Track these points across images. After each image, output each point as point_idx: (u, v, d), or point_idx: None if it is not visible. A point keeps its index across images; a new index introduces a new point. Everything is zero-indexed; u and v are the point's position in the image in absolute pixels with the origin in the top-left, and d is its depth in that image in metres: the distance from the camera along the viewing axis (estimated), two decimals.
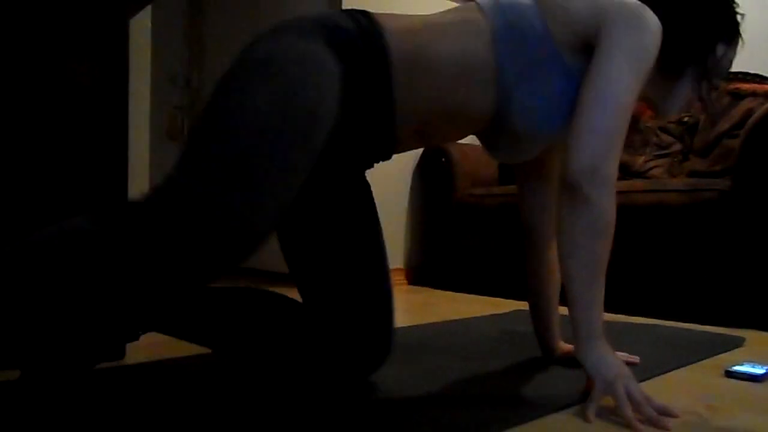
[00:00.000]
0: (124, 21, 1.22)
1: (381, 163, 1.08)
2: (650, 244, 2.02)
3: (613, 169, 0.94)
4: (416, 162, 2.92)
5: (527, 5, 0.98)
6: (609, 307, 1.95)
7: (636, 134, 2.55)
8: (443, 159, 2.79)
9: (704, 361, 1.30)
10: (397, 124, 0.96)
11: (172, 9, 3.58)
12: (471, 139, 2.74)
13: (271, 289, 1.15)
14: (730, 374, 1.17)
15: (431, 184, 2.86)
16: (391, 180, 2.83)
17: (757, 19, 1.13)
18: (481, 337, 1.52)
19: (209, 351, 1.29)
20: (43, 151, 1.12)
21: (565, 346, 1.26)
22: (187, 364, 1.20)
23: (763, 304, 1.77)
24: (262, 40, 0.89)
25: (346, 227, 1.09)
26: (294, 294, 1.18)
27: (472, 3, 1.02)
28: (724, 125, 2.34)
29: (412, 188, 2.92)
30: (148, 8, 2.37)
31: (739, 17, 1.06)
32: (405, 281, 2.89)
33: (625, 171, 2.53)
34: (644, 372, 1.17)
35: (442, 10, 3.05)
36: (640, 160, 2.56)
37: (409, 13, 2.94)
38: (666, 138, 2.55)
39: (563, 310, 1.14)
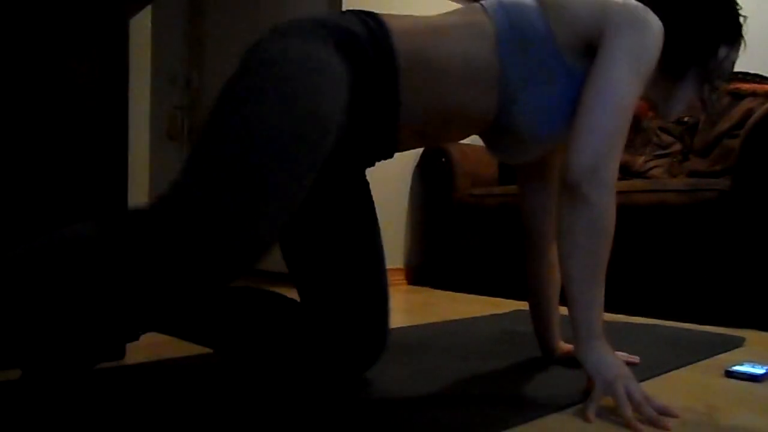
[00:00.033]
0: (124, 21, 1.22)
1: (381, 162, 1.08)
2: (650, 244, 2.02)
3: (613, 170, 0.94)
4: (416, 162, 2.92)
5: (530, 7, 0.98)
6: (609, 307, 1.95)
7: (638, 134, 2.55)
8: (443, 159, 2.79)
9: (704, 361, 1.30)
10: (401, 124, 0.96)
11: (172, 9, 3.58)
12: (471, 139, 2.74)
13: (270, 288, 1.16)
14: (730, 374, 1.17)
15: (431, 184, 2.86)
16: (391, 180, 2.83)
17: (757, 20, 1.13)
18: (481, 337, 1.52)
19: (209, 350, 1.29)
20: (43, 151, 1.12)
21: (565, 346, 1.26)
22: (187, 364, 1.20)
23: (763, 304, 1.77)
24: (270, 42, 0.88)
25: (345, 226, 1.09)
26: (293, 294, 1.18)
27: (476, 4, 1.02)
28: (724, 125, 2.34)
29: (412, 188, 2.92)
30: (148, 8, 2.37)
31: (741, 19, 1.06)
32: (405, 281, 2.89)
33: (625, 171, 2.53)
34: (644, 372, 1.17)
35: (441, 8, 3.05)
36: (640, 160, 2.56)
37: (409, 13, 2.93)
38: (666, 138, 2.55)
39: (563, 310, 1.14)
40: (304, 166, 0.82)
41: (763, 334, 1.67)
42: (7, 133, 1.08)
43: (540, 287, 1.25)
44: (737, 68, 1.60)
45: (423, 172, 2.91)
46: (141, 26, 2.37)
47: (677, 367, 1.24)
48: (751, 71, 2.44)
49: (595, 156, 0.92)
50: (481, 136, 1.09)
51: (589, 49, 0.97)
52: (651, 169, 2.51)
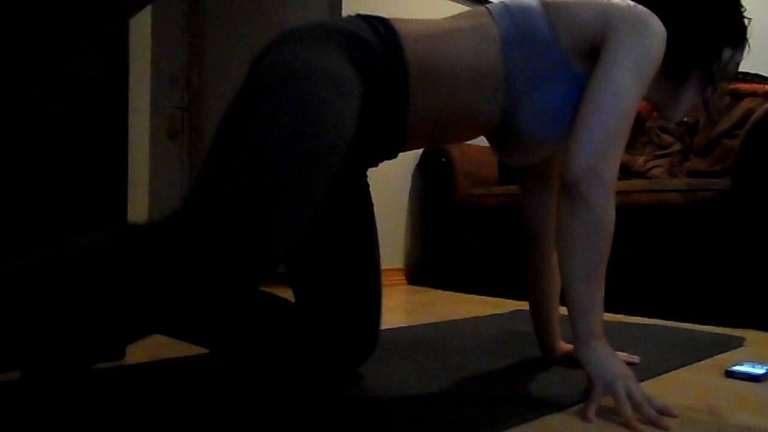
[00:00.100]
0: (124, 21, 1.22)
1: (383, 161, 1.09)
2: (650, 244, 2.02)
3: (612, 170, 0.94)
4: (416, 162, 2.92)
5: (536, 11, 0.99)
6: (609, 307, 1.96)
7: (641, 135, 2.55)
8: (443, 159, 2.79)
9: (704, 361, 1.30)
10: (408, 127, 0.97)
11: (172, 9, 3.58)
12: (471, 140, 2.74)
13: (268, 289, 1.16)
14: (730, 374, 1.17)
15: (431, 184, 2.86)
16: (391, 180, 2.83)
17: (758, 20, 1.13)
18: (481, 337, 1.52)
19: (206, 350, 1.29)
20: (43, 151, 1.12)
21: (565, 346, 1.26)
22: (187, 364, 1.20)
23: (763, 304, 1.77)
24: (282, 51, 0.87)
25: (343, 226, 1.09)
26: (288, 294, 1.18)
27: (482, 8, 1.03)
28: (724, 125, 2.34)
29: (412, 188, 2.92)
30: (148, 8, 2.37)
31: (746, 21, 1.07)
32: (405, 281, 2.89)
33: (625, 171, 2.53)
34: (644, 372, 1.17)
35: (441, 9, 3.05)
36: (640, 160, 2.56)
37: (409, 12, 2.93)
38: (666, 138, 2.55)
39: (563, 310, 1.14)
40: (318, 181, 0.82)
41: (763, 334, 1.67)
42: (7, 133, 1.08)
43: (540, 287, 1.25)
44: None
45: (423, 172, 2.91)
46: (141, 26, 2.38)
47: (677, 367, 1.24)
48: (751, 71, 2.44)
49: (594, 156, 0.93)
50: (486, 138, 1.10)
51: (593, 52, 0.98)
52: (651, 169, 2.51)
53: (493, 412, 0.91)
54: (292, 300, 1.13)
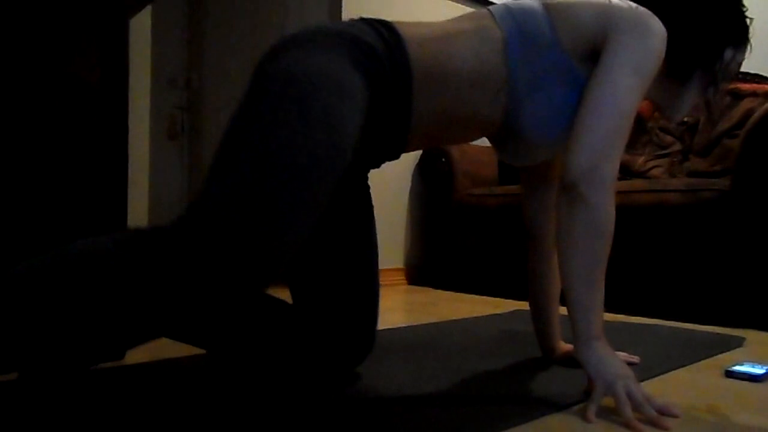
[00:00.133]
0: (124, 21, 1.22)
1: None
2: (650, 244, 2.02)
3: (612, 170, 0.94)
4: (416, 162, 2.92)
5: (538, 12, 0.99)
6: (609, 307, 1.95)
7: (642, 135, 2.55)
8: (443, 159, 2.79)
9: (704, 361, 1.30)
10: (412, 129, 0.98)
11: (172, 9, 3.58)
12: None
13: (266, 289, 1.15)
14: (730, 374, 1.17)
15: (431, 184, 2.86)
16: (391, 180, 2.83)
17: (758, 19, 1.13)
18: (481, 337, 1.52)
19: (203, 350, 1.29)
20: (43, 151, 1.12)
21: (565, 346, 1.26)
22: (187, 364, 1.20)
23: (763, 304, 1.77)
24: (288, 56, 0.87)
25: (342, 226, 1.10)
26: (285, 295, 1.18)
27: (484, 10, 1.03)
28: (724, 125, 2.34)
29: (412, 188, 2.92)
30: (148, 8, 2.37)
31: (747, 20, 1.06)
32: (405, 281, 2.89)
33: (625, 171, 2.53)
34: (644, 372, 1.17)
35: (441, 10, 3.04)
36: (640, 160, 2.56)
37: (409, 13, 2.93)
38: (666, 138, 2.55)
39: (563, 310, 1.14)
40: (324, 186, 0.83)
41: (763, 334, 1.67)
42: (7, 133, 1.08)
43: (541, 287, 1.25)
44: None
45: (423, 172, 2.91)
46: (141, 26, 2.38)
47: (677, 367, 1.24)
48: (752, 71, 2.44)
49: (593, 156, 0.93)
50: (488, 139, 1.10)
51: (594, 53, 0.98)
52: (651, 169, 2.51)
53: (493, 412, 0.91)
54: (289, 300, 1.13)
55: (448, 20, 1.03)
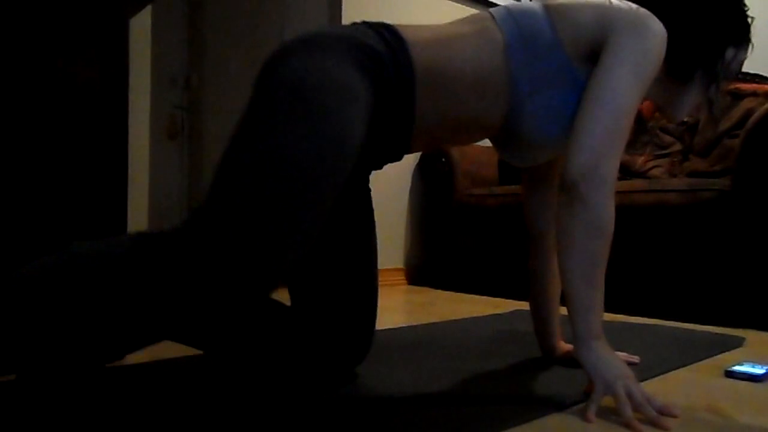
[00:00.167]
0: (124, 21, 1.22)
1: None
2: (650, 244, 2.02)
3: (612, 170, 0.94)
4: (416, 162, 2.92)
5: (538, 14, 0.99)
6: (609, 307, 1.96)
7: (643, 135, 2.55)
8: (443, 159, 2.79)
9: (704, 361, 1.30)
10: (414, 132, 0.98)
11: (172, 9, 3.58)
12: None
13: None
14: (730, 374, 1.17)
15: (431, 184, 2.86)
16: (391, 180, 2.83)
17: (758, 19, 1.13)
18: (481, 337, 1.52)
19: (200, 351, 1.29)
20: (43, 151, 1.12)
21: (565, 346, 1.26)
22: (187, 364, 1.20)
23: (763, 304, 1.77)
24: (289, 61, 0.87)
25: (342, 228, 1.10)
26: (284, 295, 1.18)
27: (484, 12, 1.03)
28: (724, 125, 2.34)
29: (412, 188, 2.92)
30: (148, 8, 2.37)
31: (749, 19, 1.06)
32: (405, 281, 2.89)
33: (625, 171, 2.53)
34: (644, 372, 1.17)
35: (442, 11, 3.04)
36: (640, 160, 2.56)
37: (409, 13, 2.92)
38: (666, 138, 2.55)
39: (563, 310, 1.14)
40: (328, 191, 0.83)
41: (763, 334, 1.67)
42: (7, 133, 1.08)
43: (541, 287, 1.25)
44: None
45: (423, 172, 2.91)
46: (141, 26, 2.38)
47: (677, 367, 1.24)
48: (751, 71, 2.44)
49: (593, 156, 0.93)
50: (490, 140, 1.11)
51: (594, 54, 0.99)
52: (651, 169, 2.51)
53: (493, 412, 0.91)
54: (288, 301, 1.13)
55: (450, 23, 1.03)
